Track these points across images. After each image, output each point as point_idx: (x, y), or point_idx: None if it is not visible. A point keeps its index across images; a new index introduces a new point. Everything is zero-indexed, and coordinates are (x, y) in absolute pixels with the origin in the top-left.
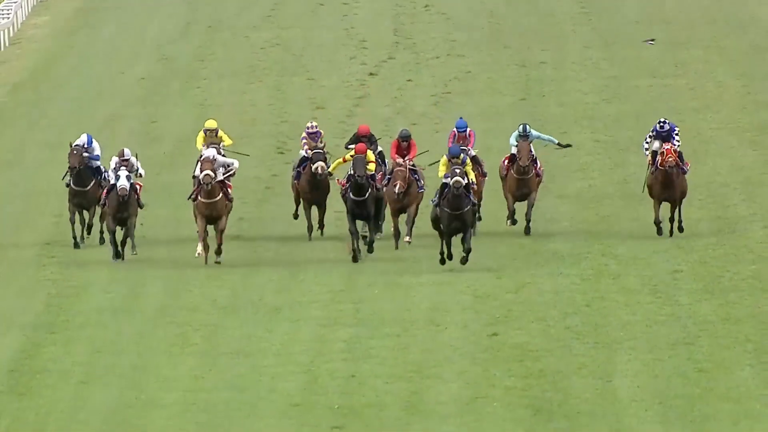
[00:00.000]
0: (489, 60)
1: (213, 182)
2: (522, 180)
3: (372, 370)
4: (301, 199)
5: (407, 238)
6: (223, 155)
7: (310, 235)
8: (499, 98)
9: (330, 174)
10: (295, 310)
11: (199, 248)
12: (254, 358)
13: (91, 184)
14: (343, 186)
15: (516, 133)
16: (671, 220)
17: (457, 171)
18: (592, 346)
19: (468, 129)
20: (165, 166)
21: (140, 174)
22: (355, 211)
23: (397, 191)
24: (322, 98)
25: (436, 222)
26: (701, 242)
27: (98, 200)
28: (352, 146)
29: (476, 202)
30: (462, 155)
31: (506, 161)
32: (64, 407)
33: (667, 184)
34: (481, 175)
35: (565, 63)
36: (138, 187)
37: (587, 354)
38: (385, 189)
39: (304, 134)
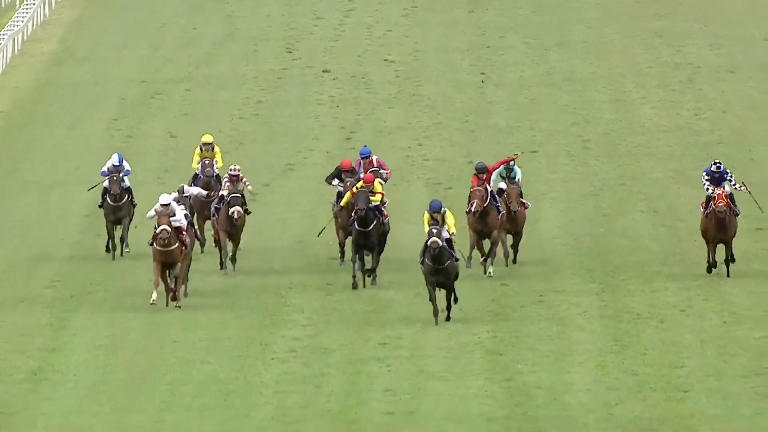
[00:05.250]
0: None
1: (169, 236)
2: (510, 217)
3: None
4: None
5: (490, 270)
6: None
7: (222, 266)
8: (455, 11)
9: (248, 212)
10: (299, 170)
11: (154, 296)
12: (269, 206)
13: (124, 200)
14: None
15: (501, 167)
16: (726, 261)
17: (434, 231)
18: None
19: (373, 156)
20: (203, 63)
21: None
22: (360, 242)
23: (473, 209)
24: (321, 11)
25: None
26: (605, 118)
27: (131, 215)
28: (335, 181)
29: (456, 255)
30: (443, 209)
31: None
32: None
33: (721, 227)
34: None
35: None
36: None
37: None
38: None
39: (226, 176)
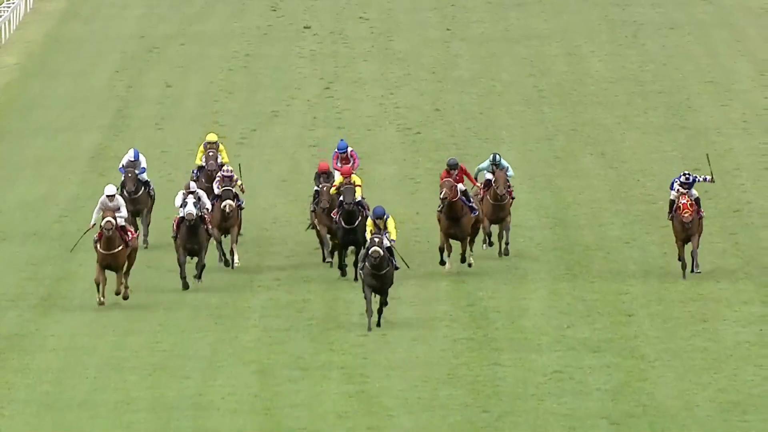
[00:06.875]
0: None
1: (114, 228)
2: (497, 206)
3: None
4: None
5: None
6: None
7: (224, 258)
8: None
9: (241, 208)
10: (283, 116)
11: (99, 298)
12: (256, 149)
13: (141, 192)
14: (334, 214)
15: (487, 162)
16: (691, 263)
17: (376, 240)
18: (484, 141)
19: (349, 150)
20: (195, 20)
21: (207, 209)
22: (345, 239)
23: (442, 196)
24: None
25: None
26: (558, 70)
27: (149, 206)
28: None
29: (396, 263)
30: (386, 215)
31: (482, 186)
32: None
33: (686, 229)
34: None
35: None
36: (207, 218)
37: (481, 147)
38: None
39: (219, 176)
